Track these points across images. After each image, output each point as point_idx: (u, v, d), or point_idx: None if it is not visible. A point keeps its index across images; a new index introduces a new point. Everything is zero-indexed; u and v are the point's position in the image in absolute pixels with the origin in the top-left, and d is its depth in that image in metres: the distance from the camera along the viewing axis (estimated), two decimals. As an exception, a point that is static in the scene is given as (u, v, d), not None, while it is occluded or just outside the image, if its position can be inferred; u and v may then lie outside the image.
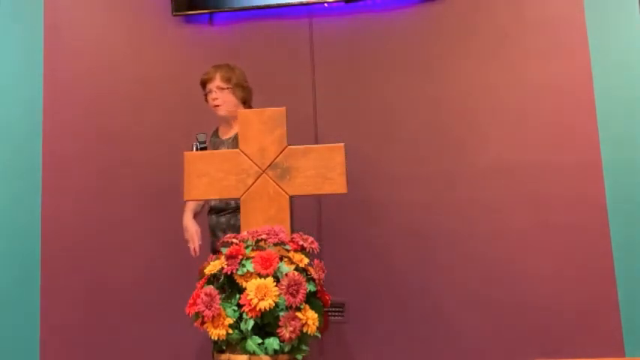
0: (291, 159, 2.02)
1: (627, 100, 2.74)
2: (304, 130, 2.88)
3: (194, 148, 2.37)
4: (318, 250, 1.87)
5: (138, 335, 2.92)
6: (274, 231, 1.85)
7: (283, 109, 2.07)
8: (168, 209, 2.76)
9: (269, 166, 2.03)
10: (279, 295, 1.71)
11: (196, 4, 3.02)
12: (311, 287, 1.77)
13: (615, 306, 2.62)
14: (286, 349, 1.71)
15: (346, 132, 2.87)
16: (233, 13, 3.07)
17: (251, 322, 1.70)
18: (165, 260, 2.93)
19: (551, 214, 2.74)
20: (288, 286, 1.72)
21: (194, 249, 2.40)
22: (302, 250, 1.85)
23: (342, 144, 2.02)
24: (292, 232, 1.97)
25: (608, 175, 2.70)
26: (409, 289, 2.81)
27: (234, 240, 1.87)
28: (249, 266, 1.75)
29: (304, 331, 1.72)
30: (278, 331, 1.71)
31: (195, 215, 2.54)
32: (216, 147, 2.54)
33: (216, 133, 2.60)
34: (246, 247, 1.82)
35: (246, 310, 1.70)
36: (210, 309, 1.72)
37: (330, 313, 2.78)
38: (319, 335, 1.76)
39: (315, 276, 1.80)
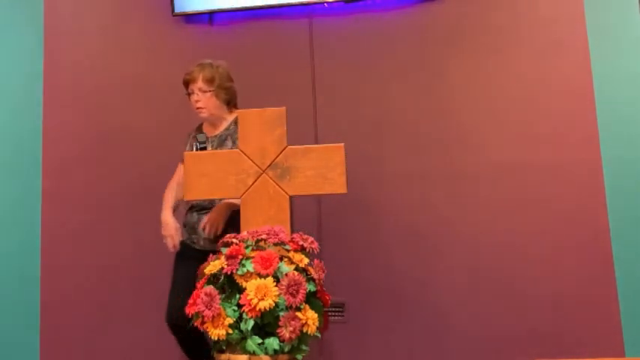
0: (291, 159, 2.02)
1: (627, 99, 2.74)
2: (304, 130, 2.88)
3: (194, 148, 2.36)
4: (318, 250, 1.87)
5: (138, 336, 2.92)
6: (274, 231, 1.85)
7: (283, 109, 2.07)
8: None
9: (269, 166, 2.03)
10: (279, 295, 1.71)
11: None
12: (311, 287, 1.77)
13: (615, 306, 2.62)
14: (286, 349, 1.71)
15: (346, 132, 2.87)
16: (233, 13, 3.07)
17: (251, 322, 1.70)
18: (165, 260, 2.92)
19: (551, 213, 2.74)
20: (288, 286, 1.72)
21: (174, 245, 2.38)
22: (302, 250, 1.85)
23: (342, 144, 2.02)
24: (292, 232, 1.96)
25: (608, 175, 2.70)
26: (409, 289, 2.81)
27: (234, 240, 1.87)
28: (249, 266, 1.75)
29: (304, 331, 1.72)
30: (278, 331, 1.71)
31: (173, 212, 2.50)
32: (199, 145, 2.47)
33: (200, 130, 2.55)
34: (246, 247, 1.82)
35: (246, 310, 1.70)
36: (210, 309, 1.72)
37: (330, 313, 2.77)
38: (319, 335, 1.76)
39: (315, 276, 1.80)
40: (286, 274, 1.74)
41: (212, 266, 1.80)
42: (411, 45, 2.96)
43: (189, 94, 2.46)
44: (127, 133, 3.09)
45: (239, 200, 2.05)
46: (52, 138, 3.13)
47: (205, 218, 2.32)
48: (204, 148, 2.37)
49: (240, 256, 1.78)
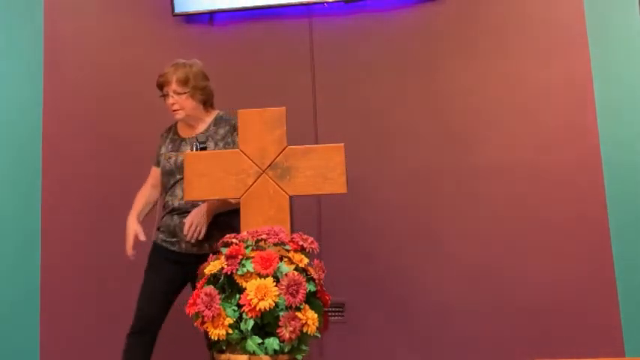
0: (291, 159, 2.02)
1: (627, 100, 2.74)
2: (304, 130, 2.88)
3: (194, 148, 2.36)
4: (318, 250, 1.87)
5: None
6: (274, 231, 1.85)
7: (283, 109, 2.07)
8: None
9: (269, 166, 2.03)
10: (279, 295, 1.71)
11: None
12: (311, 287, 1.76)
13: (615, 306, 2.62)
14: (286, 349, 1.71)
15: (346, 132, 2.87)
16: (233, 13, 3.07)
17: (251, 322, 1.70)
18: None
19: (552, 213, 2.74)
20: (288, 286, 1.72)
21: (128, 247, 2.36)
22: (302, 250, 1.85)
23: (342, 144, 2.02)
24: (292, 232, 1.96)
25: (608, 175, 2.70)
26: (409, 289, 2.81)
27: (234, 240, 1.87)
28: (249, 266, 1.75)
29: (304, 331, 1.72)
30: (278, 331, 1.71)
31: (147, 214, 2.49)
32: (175, 146, 2.44)
33: (174, 130, 2.50)
34: (246, 247, 1.82)
35: (246, 310, 1.70)
36: (210, 309, 1.72)
37: (330, 313, 2.77)
38: (319, 335, 1.76)
39: (315, 276, 1.80)
40: (286, 274, 1.74)
41: (212, 266, 1.80)
42: (411, 45, 2.96)
43: (164, 97, 2.39)
44: (127, 134, 3.09)
45: (221, 200, 2.04)
46: (52, 138, 3.13)
47: (187, 221, 2.26)
48: (204, 148, 2.36)
49: (240, 256, 1.78)
